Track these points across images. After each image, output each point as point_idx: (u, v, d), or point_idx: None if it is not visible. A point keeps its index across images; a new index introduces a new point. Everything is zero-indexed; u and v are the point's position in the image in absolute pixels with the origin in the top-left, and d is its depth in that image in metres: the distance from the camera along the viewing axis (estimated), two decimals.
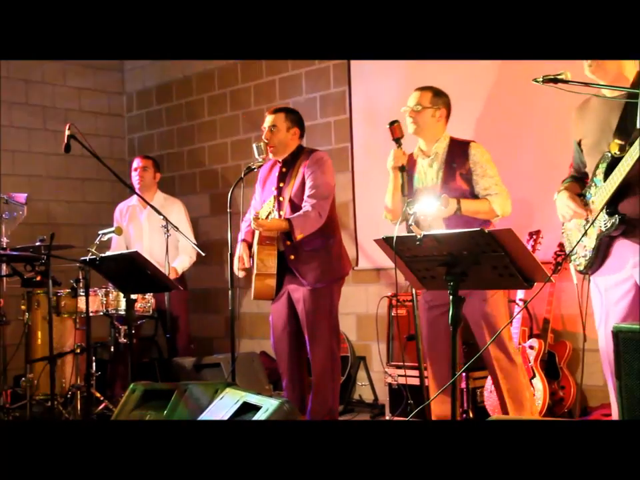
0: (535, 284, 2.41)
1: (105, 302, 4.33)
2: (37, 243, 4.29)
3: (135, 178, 4.81)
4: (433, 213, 3.14)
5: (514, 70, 4.18)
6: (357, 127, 5.12)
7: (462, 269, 2.40)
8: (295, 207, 3.57)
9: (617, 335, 2.08)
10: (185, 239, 4.38)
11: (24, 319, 4.39)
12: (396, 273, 2.62)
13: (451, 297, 2.43)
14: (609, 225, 2.54)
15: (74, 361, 4.36)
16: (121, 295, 4.27)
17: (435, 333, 3.26)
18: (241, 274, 3.69)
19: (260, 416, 2.56)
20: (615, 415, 2.47)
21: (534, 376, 3.78)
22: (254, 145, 3.55)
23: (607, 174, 2.56)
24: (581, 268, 2.71)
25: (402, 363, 4.00)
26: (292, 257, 3.55)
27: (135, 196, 4.74)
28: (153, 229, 4.72)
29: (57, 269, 4.17)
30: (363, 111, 5.08)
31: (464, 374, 3.80)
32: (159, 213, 4.18)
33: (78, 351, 4.32)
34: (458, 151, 3.25)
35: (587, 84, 2.58)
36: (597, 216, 2.56)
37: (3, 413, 4.16)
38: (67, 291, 4.32)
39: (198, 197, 6.11)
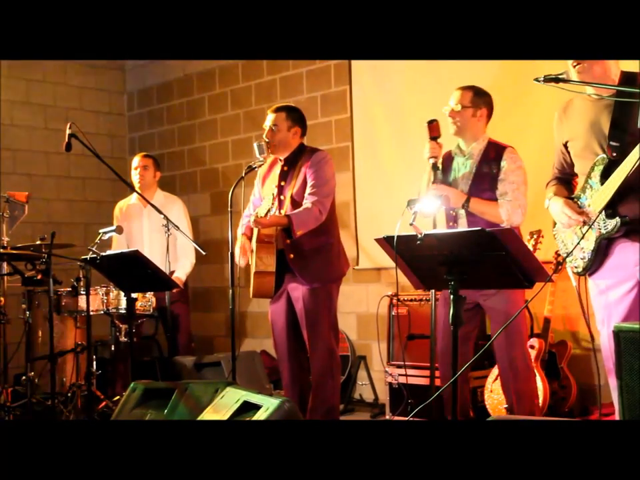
0: (536, 284, 2.41)
1: (105, 301, 4.33)
2: (38, 242, 4.29)
3: (135, 177, 4.81)
4: (433, 212, 3.16)
5: (514, 70, 4.18)
6: (357, 126, 5.12)
7: (463, 269, 2.40)
8: (296, 205, 3.56)
9: (618, 334, 2.07)
10: (184, 238, 4.38)
11: (24, 317, 4.39)
12: (397, 273, 2.62)
13: (451, 296, 2.43)
14: (609, 227, 2.54)
15: (74, 359, 4.36)
16: (122, 293, 4.27)
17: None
18: (242, 262, 3.67)
19: (260, 415, 2.56)
20: (616, 414, 2.47)
21: (534, 376, 3.78)
22: (255, 144, 3.55)
23: (604, 176, 2.55)
24: (579, 270, 2.71)
25: (402, 363, 3.99)
26: (291, 255, 3.55)
27: (135, 194, 4.74)
28: (153, 228, 4.72)
29: (57, 267, 4.17)
30: (363, 110, 5.07)
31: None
32: (160, 212, 4.18)
33: (78, 349, 4.32)
34: (492, 154, 3.27)
35: (587, 83, 2.58)
36: (596, 219, 2.56)
37: (3, 411, 4.16)
38: (68, 289, 4.32)
39: (199, 196, 6.11)
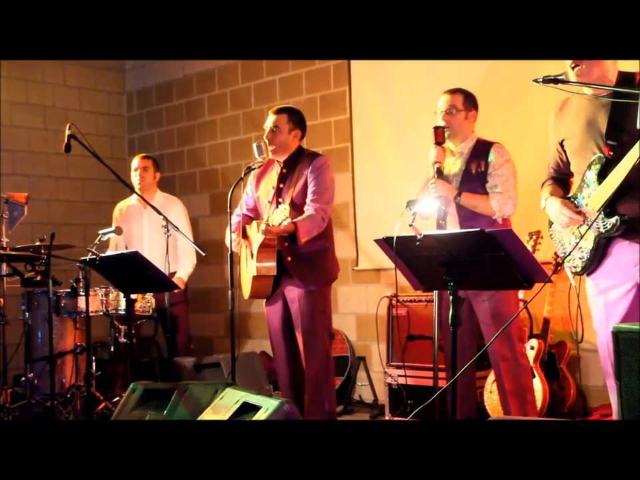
0: (535, 284, 2.41)
1: (104, 302, 4.32)
2: (37, 243, 4.29)
3: (135, 178, 4.80)
4: (433, 212, 3.17)
5: (513, 70, 4.18)
6: (357, 126, 5.12)
7: (462, 269, 2.40)
8: (296, 208, 3.56)
9: (617, 335, 2.07)
10: (184, 239, 4.38)
11: (24, 318, 4.39)
12: (396, 273, 2.62)
13: (450, 297, 2.43)
14: (608, 226, 2.54)
15: (74, 360, 4.35)
16: (121, 294, 4.27)
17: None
18: (237, 249, 3.68)
19: (260, 416, 2.56)
20: (615, 415, 2.47)
21: (534, 376, 3.77)
22: (254, 145, 3.55)
23: (601, 175, 2.55)
24: (578, 270, 2.70)
25: (402, 363, 3.99)
26: (289, 258, 3.56)
27: (135, 195, 4.74)
28: (153, 229, 4.71)
29: (56, 268, 4.17)
30: (363, 111, 5.07)
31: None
32: (159, 213, 4.18)
33: (78, 350, 4.32)
34: (481, 151, 3.36)
35: (585, 84, 2.58)
36: (596, 218, 2.56)
37: (2, 412, 4.16)
38: (67, 290, 4.32)
39: (198, 197, 6.11)
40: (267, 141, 3.59)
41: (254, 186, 3.79)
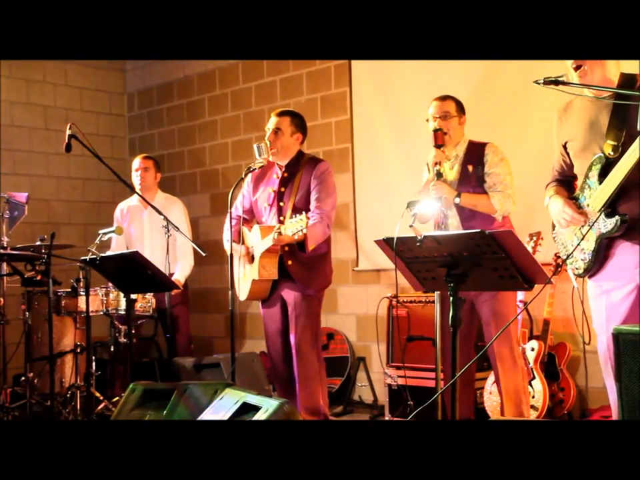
0: (535, 285, 2.41)
1: (105, 301, 4.32)
2: (38, 243, 4.29)
3: (135, 179, 4.80)
4: (434, 212, 3.18)
5: (514, 70, 4.18)
6: (357, 127, 5.12)
7: (462, 270, 2.40)
8: (298, 212, 3.56)
9: (617, 336, 2.07)
10: (183, 239, 4.38)
11: (24, 318, 4.39)
12: (396, 274, 2.62)
13: (450, 298, 2.43)
14: (609, 226, 2.54)
15: (74, 360, 4.35)
16: (121, 294, 4.27)
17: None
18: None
19: (260, 416, 2.55)
20: (615, 416, 2.47)
21: (534, 377, 3.77)
22: (255, 146, 3.55)
23: (602, 176, 2.55)
24: (580, 272, 2.70)
25: (402, 364, 4.00)
26: (290, 262, 3.57)
27: (136, 196, 4.74)
28: (153, 229, 4.71)
29: (57, 268, 4.18)
30: (363, 112, 5.07)
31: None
32: (160, 213, 4.18)
33: (78, 350, 4.32)
34: (475, 153, 3.41)
35: (587, 86, 2.58)
36: (597, 219, 2.56)
37: (2, 412, 4.16)
38: (67, 290, 4.32)
39: (198, 197, 6.11)
40: (268, 143, 3.59)
41: (251, 188, 3.78)
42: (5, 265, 4.47)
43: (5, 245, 4.48)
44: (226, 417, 2.71)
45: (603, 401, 3.83)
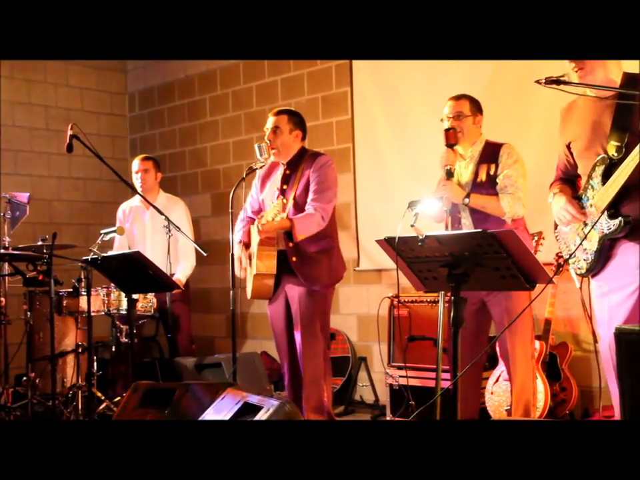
0: (537, 285, 2.40)
1: (106, 301, 4.33)
2: (39, 243, 4.29)
3: (136, 181, 4.81)
4: (434, 213, 3.17)
5: (515, 70, 4.18)
6: (359, 127, 5.12)
7: (464, 270, 2.40)
8: (299, 208, 3.57)
9: (619, 336, 2.07)
10: (185, 239, 4.38)
11: (25, 318, 4.39)
12: (397, 274, 2.62)
13: (452, 298, 2.43)
14: (612, 227, 2.54)
15: (75, 360, 4.35)
16: (123, 294, 4.27)
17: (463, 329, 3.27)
18: (242, 274, 3.69)
19: (261, 416, 2.55)
20: (617, 416, 2.47)
21: (535, 377, 3.77)
22: (256, 146, 3.55)
23: (605, 176, 2.55)
24: (582, 271, 2.70)
25: (403, 364, 3.99)
26: (294, 258, 3.56)
27: (138, 196, 4.74)
28: (155, 230, 4.72)
29: (58, 268, 4.17)
30: (364, 112, 5.07)
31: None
32: (161, 213, 4.18)
33: (79, 350, 4.32)
34: (490, 153, 3.36)
35: (588, 86, 2.58)
36: (599, 219, 2.55)
37: (4, 412, 4.16)
38: (69, 290, 4.32)
39: (200, 197, 6.12)
40: (268, 142, 3.60)
41: (259, 188, 3.79)
42: (6, 265, 4.47)
43: (7, 245, 4.49)
44: (227, 417, 2.71)
45: (604, 401, 3.83)
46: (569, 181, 2.85)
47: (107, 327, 4.87)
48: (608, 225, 2.55)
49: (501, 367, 3.76)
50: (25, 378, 4.29)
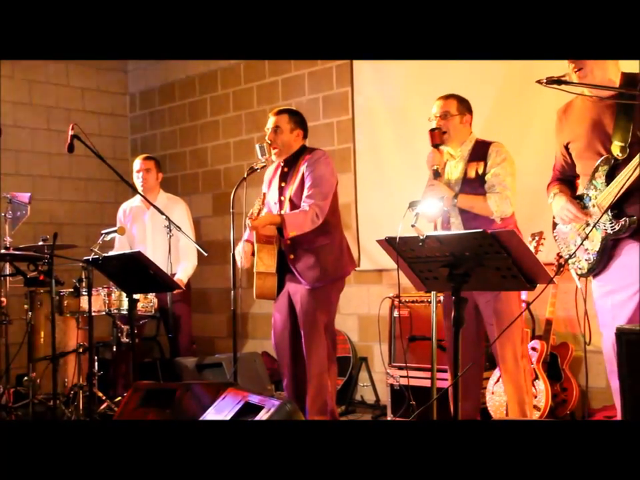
0: (538, 285, 2.40)
1: (107, 301, 4.33)
2: (40, 243, 4.29)
3: (137, 180, 4.81)
4: (435, 213, 3.17)
5: (516, 70, 4.17)
6: (359, 127, 5.12)
7: (464, 270, 2.40)
8: (295, 206, 3.57)
9: (621, 336, 2.07)
10: (186, 239, 4.38)
11: (27, 318, 4.39)
12: (398, 274, 2.62)
13: (453, 298, 2.43)
14: (617, 227, 2.53)
15: (76, 360, 4.36)
16: (124, 294, 4.27)
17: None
18: (244, 263, 3.66)
19: (262, 417, 2.56)
20: (619, 416, 2.47)
21: (536, 378, 3.77)
22: (257, 146, 3.56)
23: (609, 177, 2.55)
24: (584, 272, 2.70)
25: (404, 364, 3.99)
26: (291, 256, 3.56)
27: (139, 196, 4.75)
28: (156, 230, 4.72)
29: (59, 268, 4.17)
30: (365, 112, 5.07)
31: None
32: (162, 213, 4.18)
33: (80, 350, 4.32)
34: (480, 151, 3.35)
35: (589, 86, 2.58)
36: (600, 218, 2.55)
37: (5, 412, 4.16)
38: (70, 290, 4.33)
39: (200, 197, 6.12)
40: (269, 142, 3.60)
41: (267, 190, 3.80)
42: (7, 265, 4.47)
43: (8, 245, 4.49)
44: (228, 417, 2.71)
45: (605, 401, 3.82)
46: (567, 181, 2.85)
47: (107, 327, 4.88)
48: (612, 225, 2.54)
49: None
50: (25, 378, 4.30)
